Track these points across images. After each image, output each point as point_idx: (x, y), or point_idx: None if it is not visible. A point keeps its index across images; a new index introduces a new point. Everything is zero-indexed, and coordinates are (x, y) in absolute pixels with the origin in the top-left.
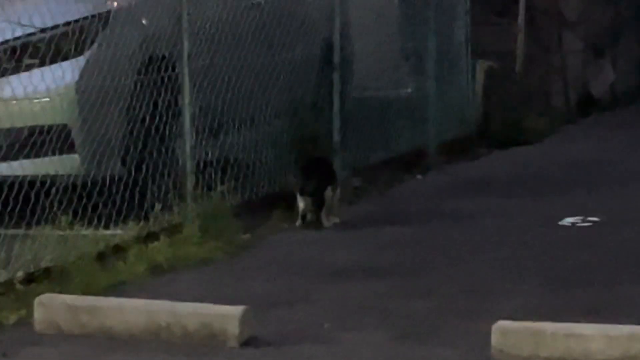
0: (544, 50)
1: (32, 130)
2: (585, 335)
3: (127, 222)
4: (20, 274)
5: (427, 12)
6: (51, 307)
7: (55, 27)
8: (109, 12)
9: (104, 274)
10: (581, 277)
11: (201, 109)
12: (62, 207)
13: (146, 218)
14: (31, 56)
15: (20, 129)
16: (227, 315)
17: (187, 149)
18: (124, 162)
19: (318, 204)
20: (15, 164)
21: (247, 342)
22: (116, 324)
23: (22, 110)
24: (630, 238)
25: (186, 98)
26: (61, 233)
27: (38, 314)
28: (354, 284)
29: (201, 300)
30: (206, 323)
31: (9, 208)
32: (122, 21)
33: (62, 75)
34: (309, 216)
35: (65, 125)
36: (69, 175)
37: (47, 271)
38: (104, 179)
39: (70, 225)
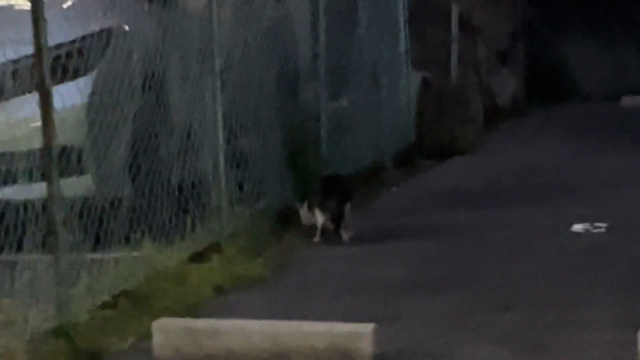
0: (461, 61)
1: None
2: None
3: (168, 243)
4: (105, 298)
5: (372, 23)
6: (170, 332)
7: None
8: (110, 29)
9: (176, 296)
10: None
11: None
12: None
13: (184, 237)
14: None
15: (34, 151)
16: (359, 333)
17: (221, 165)
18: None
19: (338, 219)
20: (29, 187)
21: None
22: (240, 346)
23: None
24: None
25: (219, 113)
26: (135, 254)
27: (157, 338)
28: (426, 300)
29: (277, 319)
30: (336, 342)
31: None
32: (124, 39)
33: (70, 95)
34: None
35: (76, 146)
36: (82, 197)
37: (125, 294)
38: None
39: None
